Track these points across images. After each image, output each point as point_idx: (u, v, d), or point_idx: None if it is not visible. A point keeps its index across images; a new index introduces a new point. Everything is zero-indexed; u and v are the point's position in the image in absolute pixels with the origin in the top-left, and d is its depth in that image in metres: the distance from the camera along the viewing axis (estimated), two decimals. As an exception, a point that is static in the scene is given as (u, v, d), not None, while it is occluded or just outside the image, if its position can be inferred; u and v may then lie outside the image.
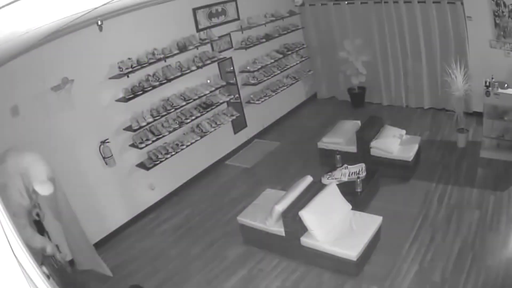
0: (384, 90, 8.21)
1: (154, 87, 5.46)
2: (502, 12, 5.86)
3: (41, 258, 3.06)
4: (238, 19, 7.00)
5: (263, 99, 7.37)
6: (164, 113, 5.63)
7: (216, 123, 6.50)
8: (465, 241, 4.32)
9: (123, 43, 5.27)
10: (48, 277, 2.55)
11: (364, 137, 5.78)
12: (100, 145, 5.20)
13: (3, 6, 1.23)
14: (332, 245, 4.13)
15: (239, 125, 7.32)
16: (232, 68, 7.08)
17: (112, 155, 5.28)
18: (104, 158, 5.23)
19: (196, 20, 6.29)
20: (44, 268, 2.85)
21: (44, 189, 2.91)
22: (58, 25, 2.20)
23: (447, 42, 6.94)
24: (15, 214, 2.76)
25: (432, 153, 6.17)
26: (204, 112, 6.23)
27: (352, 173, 5.30)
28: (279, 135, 7.77)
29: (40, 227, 3.29)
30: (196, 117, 6.10)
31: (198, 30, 6.29)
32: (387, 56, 7.86)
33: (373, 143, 5.68)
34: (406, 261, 4.20)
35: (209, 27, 6.42)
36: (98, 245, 5.14)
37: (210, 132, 6.34)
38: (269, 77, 7.42)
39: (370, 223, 4.35)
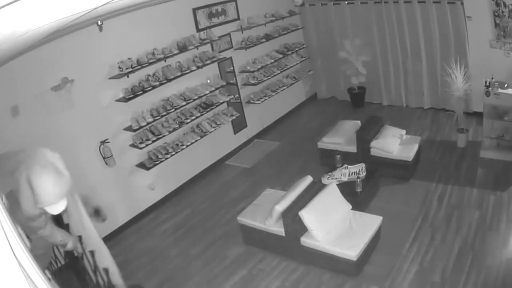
0: (384, 90, 8.21)
1: (154, 87, 5.46)
2: (502, 12, 5.86)
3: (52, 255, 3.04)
4: (238, 19, 7.00)
5: (263, 99, 7.37)
6: (164, 113, 5.63)
7: (216, 123, 6.50)
8: (465, 241, 4.32)
9: (123, 43, 5.27)
10: (49, 280, 2.54)
11: (364, 137, 5.78)
12: (100, 145, 5.19)
13: (3, 6, 1.23)
14: (332, 245, 4.13)
15: (239, 125, 7.32)
16: (232, 68, 7.08)
17: (112, 155, 5.27)
18: (104, 158, 5.23)
19: (196, 20, 6.29)
20: (47, 272, 2.83)
21: (54, 210, 2.72)
22: (58, 25, 2.20)
23: (447, 42, 6.94)
24: (29, 219, 2.65)
25: (432, 153, 6.17)
26: (204, 112, 6.23)
27: (352, 173, 5.30)
28: (279, 135, 7.77)
29: (59, 220, 3.21)
30: (196, 117, 6.09)
31: (198, 30, 6.29)
32: (387, 56, 7.86)
33: (373, 143, 5.68)
34: (406, 261, 4.20)
35: (209, 27, 6.42)
36: (98, 245, 5.14)
37: (210, 132, 6.34)
38: (269, 77, 7.42)
39: (370, 223, 4.35)
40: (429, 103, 7.70)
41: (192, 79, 6.12)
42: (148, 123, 5.45)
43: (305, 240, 4.30)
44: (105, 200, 5.37)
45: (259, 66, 7.19)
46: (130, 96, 5.26)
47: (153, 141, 5.55)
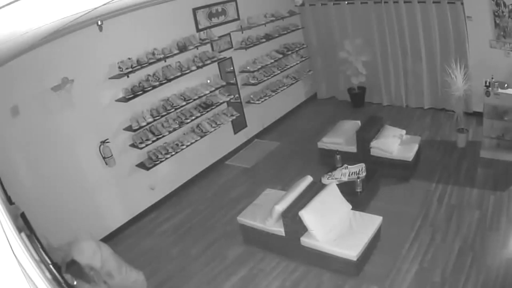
0: (384, 90, 8.21)
1: (154, 87, 5.46)
2: (502, 12, 5.86)
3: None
4: (238, 19, 7.00)
5: (263, 99, 7.37)
6: (164, 113, 5.63)
7: (216, 123, 6.50)
8: (465, 241, 4.32)
9: (123, 43, 5.27)
10: (49, 280, 2.57)
11: (364, 137, 5.78)
12: (100, 145, 5.19)
13: (3, 6, 1.23)
14: (332, 245, 4.13)
15: (239, 125, 7.32)
16: (232, 68, 7.08)
17: (112, 155, 5.27)
18: (104, 158, 5.22)
19: (196, 20, 6.29)
20: (47, 272, 2.86)
21: None
22: (58, 25, 2.20)
23: (447, 42, 6.94)
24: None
25: (432, 153, 6.17)
26: (204, 112, 6.23)
27: (352, 173, 5.30)
28: (279, 135, 7.77)
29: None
30: (196, 117, 6.09)
31: (198, 30, 6.29)
32: (387, 56, 7.86)
33: (373, 143, 5.68)
34: (406, 261, 4.20)
35: (209, 27, 6.42)
36: (98, 245, 5.14)
37: (210, 132, 6.34)
38: (269, 77, 7.42)
39: (370, 223, 4.35)
40: (429, 103, 7.70)
41: (192, 79, 6.12)
42: (148, 123, 5.44)
43: (305, 240, 4.30)
44: (105, 200, 5.39)
45: (259, 66, 7.19)
46: (130, 96, 5.26)
47: (153, 141, 5.55)
